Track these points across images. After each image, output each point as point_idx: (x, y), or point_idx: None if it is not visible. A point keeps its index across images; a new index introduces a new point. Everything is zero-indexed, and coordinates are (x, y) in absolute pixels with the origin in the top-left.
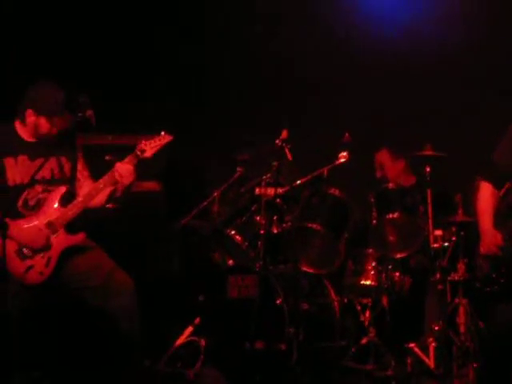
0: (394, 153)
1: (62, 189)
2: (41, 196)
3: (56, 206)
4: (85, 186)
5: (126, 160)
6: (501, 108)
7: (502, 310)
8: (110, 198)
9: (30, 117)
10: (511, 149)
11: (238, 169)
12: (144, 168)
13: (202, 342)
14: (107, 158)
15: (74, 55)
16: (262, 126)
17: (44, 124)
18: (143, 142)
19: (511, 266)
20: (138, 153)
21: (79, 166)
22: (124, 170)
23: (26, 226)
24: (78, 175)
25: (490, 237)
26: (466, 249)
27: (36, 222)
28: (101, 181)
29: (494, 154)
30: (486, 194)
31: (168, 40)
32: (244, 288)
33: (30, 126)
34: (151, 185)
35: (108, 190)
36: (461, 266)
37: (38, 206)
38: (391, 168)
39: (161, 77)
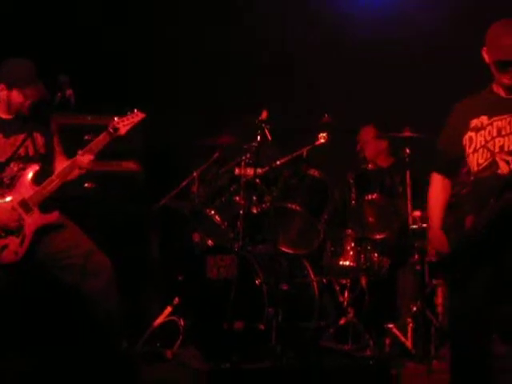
0: (378, 131)
1: (35, 166)
2: (16, 174)
3: (29, 184)
4: (58, 162)
5: (100, 138)
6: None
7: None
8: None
9: (2, 91)
10: (451, 135)
11: (218, 149)
12: (122, 147)
13: (181, 322)
14: (86, 137)
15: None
16: (241, 105)
17: (17, 97)
18: (116, 119)
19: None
20: (111, 131)
21: (54, 142)
22: (84, 161)
23: None
24: (54, 150)
25: (433, 241)
26: None
27: (9, 200)
28: (66, 166)
29: (438, 143)
30: (436, 188)
31: (144, 20)
32: (223, 268)
33: (3, 101)
34: (130, 165)
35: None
36: None
37: (13, 185)
38: (372, 146)
39: (139, 56)
